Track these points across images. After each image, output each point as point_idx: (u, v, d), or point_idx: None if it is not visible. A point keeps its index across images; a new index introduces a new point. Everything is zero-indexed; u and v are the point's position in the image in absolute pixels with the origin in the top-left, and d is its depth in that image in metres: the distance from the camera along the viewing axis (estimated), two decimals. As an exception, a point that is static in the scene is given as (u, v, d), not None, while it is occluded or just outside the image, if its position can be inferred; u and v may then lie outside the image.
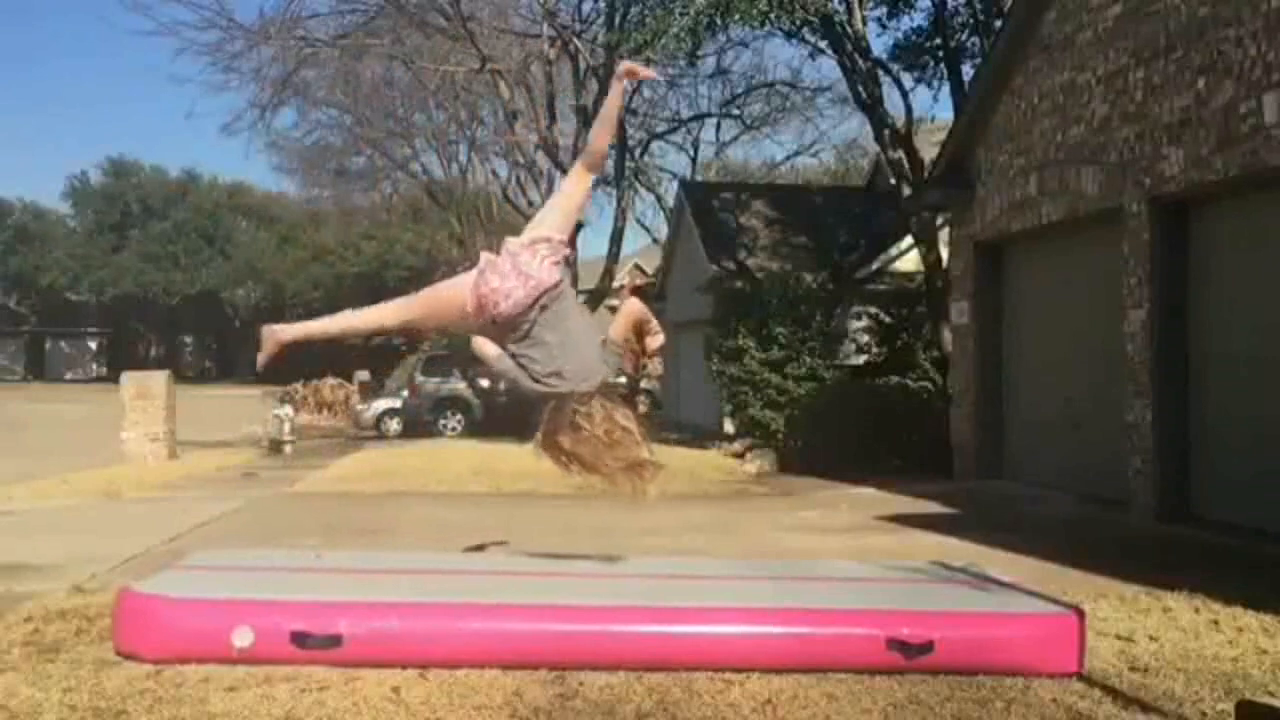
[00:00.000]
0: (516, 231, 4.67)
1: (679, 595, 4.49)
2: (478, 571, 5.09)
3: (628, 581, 4.78)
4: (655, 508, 10.01)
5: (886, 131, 16.20)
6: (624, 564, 5.40)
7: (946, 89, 16.10)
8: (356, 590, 4.42)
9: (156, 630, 4.09)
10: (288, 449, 16.67)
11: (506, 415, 21.35)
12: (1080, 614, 4.29)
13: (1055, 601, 4.57)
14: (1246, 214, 8.34)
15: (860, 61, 15.75)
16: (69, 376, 56.78)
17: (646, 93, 24.81)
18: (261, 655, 3.98)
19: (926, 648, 4.07)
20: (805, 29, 15.87)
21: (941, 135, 14.85)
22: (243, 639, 3.97)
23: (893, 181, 16.97)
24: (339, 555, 5.65)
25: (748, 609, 4.32)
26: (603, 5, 19.60)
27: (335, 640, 3.99)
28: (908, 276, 17.87)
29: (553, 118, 20.95)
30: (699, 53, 16.71)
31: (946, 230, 14.20)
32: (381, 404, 22.80)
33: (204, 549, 6.03)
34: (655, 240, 32.74)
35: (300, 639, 3.98)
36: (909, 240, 17.46)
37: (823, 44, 16.59)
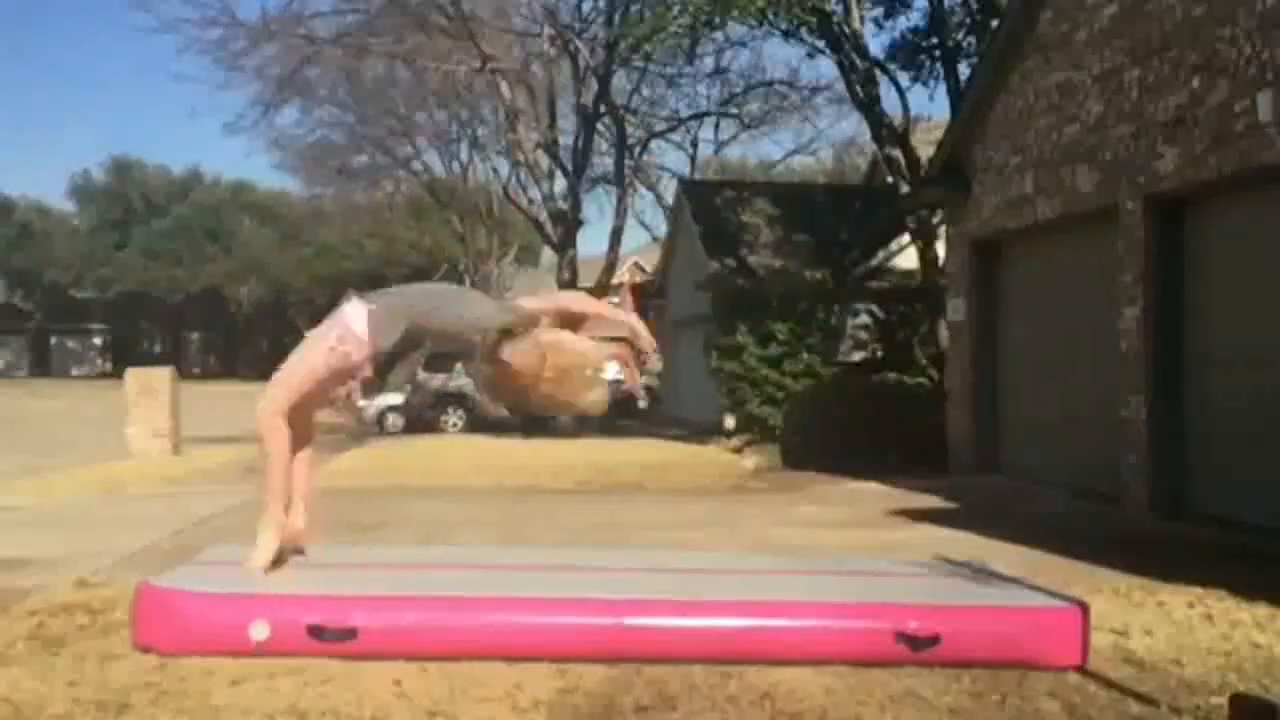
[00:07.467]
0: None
1: (686, 589, 4.51)
2: (488, 565, 5.11)
3: (635, 575, 4.80)
4: (656, 503, 10.09)
5: (884, 130, 16.26)
6: (631, 558, 5.43)
7: (943, 88, 16.20)
8: (371, 584, 4.46)
9: (175, 624, 4.11)
10: (289, 446, 16.69)
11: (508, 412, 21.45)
12: (1084, 607, 4.31)
13: (1059, 595, 4.60)
14: (1241, 212, 8.38)
15: (857, 61, 15.81)
16: (73, 373, 56.87)
17: (646, 91, 24.88)
18: (278, 648, 4.01)
19: (933, 641, 4.10)
20: (803, 28, 15.94)
21: (938, 134, 14.89)
22: (259, 632, 4.01)
23: (890, 180, 17.03)
24: (353, 550, 5.68)
25: (755, 602, 4.34)
26: (602, 4, 19.68)
27: (350, 633, 4.02)
28: (905, 274, 17.93)
29: (553, 117, 21.01)
30: (697, 51, 16.80)
31: (944, 228, 14.26)
32: (384, 400, 22.74)
33: (209, 544, 6.07)
34: (655, 238, 32.78)
35: (316, 632, 4.01)
36: (906, 238, 17.53)
37: (820, 43, 16.64)
